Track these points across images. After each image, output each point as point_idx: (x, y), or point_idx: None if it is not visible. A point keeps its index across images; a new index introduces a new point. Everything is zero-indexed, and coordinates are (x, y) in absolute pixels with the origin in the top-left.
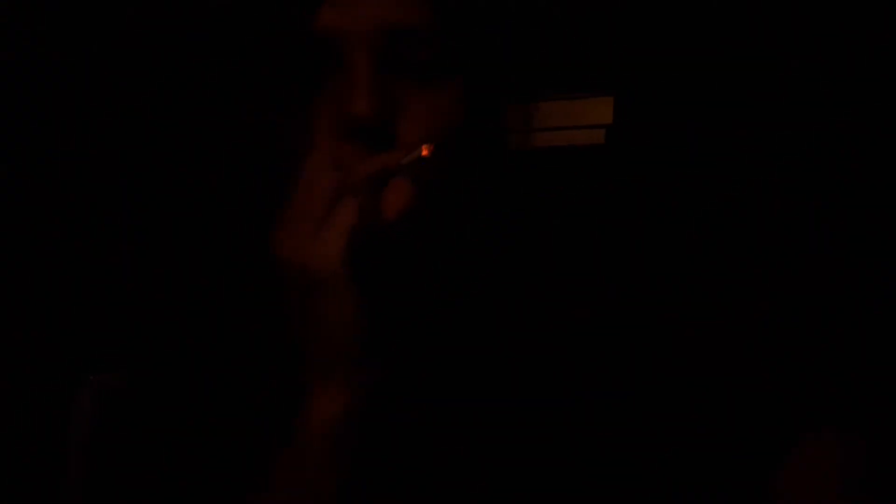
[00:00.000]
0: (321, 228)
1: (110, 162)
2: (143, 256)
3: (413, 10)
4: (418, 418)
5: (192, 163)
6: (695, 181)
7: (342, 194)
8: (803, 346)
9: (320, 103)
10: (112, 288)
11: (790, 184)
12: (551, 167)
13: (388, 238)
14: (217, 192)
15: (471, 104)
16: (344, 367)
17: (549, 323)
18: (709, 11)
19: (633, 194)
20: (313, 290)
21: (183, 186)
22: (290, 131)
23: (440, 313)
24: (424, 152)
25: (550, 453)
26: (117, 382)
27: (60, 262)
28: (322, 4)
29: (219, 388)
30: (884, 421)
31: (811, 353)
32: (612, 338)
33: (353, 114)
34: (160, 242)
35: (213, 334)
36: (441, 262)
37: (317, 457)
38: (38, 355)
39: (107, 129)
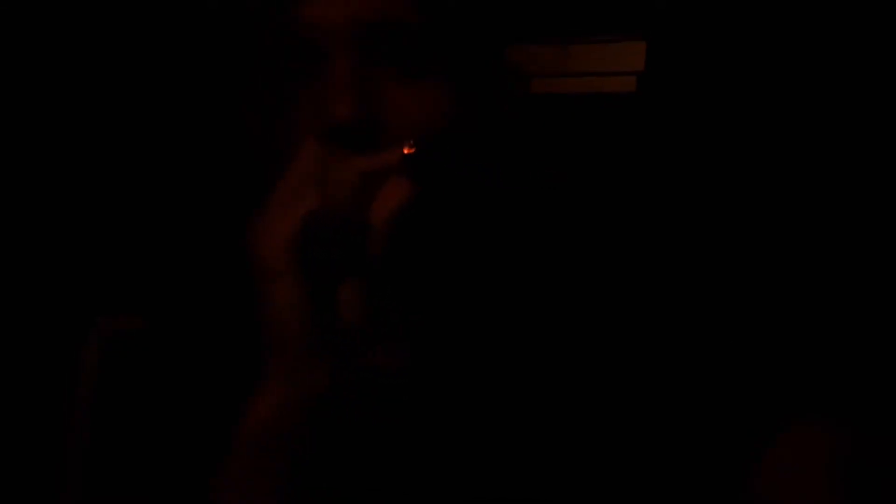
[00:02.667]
0: (277, 216)
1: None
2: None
3: (396, 2)
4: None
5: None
6: (727, 134)
7: (306, 185)
8: (791, 335)
9: (302, 102)
10: (125, 222)
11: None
12: (578, 116)
13: (381, 234)
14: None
15: (460, 95)
16: (286, 362)
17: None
18: None
19: (664, 146)
20: (260, 274)
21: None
22: (269, 129)
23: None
24: (406, 151)
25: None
26: (130, 325)
27: (64, 192)
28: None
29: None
30: (871, 410)
31: (798, 341)
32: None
33: (334, 116)
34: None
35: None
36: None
37: (248, 459)
38: (43, 295)
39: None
